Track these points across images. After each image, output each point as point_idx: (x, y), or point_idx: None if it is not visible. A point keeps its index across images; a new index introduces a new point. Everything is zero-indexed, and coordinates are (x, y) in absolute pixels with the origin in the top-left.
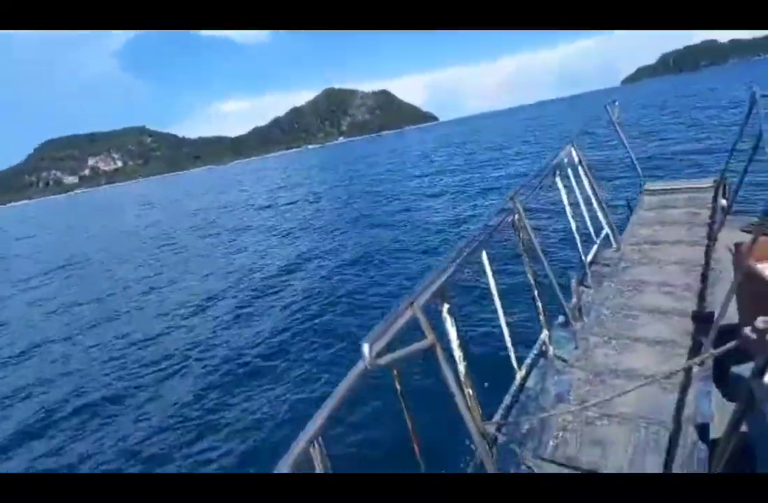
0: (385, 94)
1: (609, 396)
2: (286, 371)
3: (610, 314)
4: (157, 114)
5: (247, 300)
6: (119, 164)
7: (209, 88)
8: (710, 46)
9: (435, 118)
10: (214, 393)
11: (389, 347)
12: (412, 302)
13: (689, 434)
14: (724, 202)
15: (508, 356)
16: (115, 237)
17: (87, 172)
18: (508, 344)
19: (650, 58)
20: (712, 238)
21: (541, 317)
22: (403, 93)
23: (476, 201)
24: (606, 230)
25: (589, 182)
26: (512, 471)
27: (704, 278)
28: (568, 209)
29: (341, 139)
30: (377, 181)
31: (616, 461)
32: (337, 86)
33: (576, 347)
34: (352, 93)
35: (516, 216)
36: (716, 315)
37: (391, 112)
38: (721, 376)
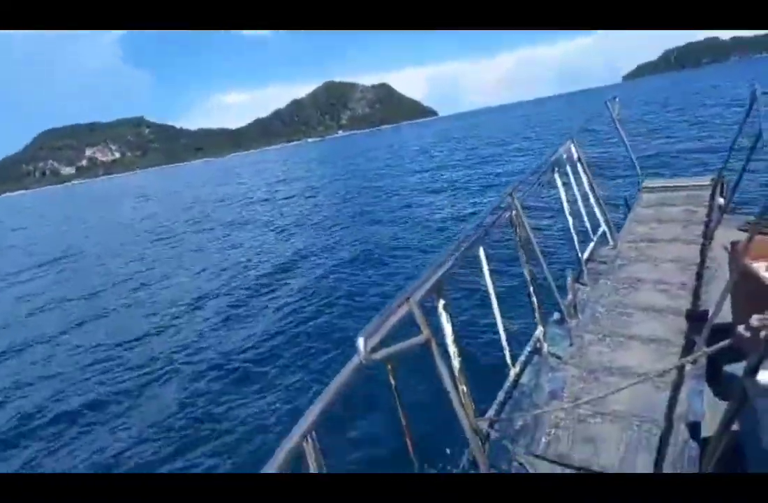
0: (385, 87)
1: (602, 394)
2: (278, 378)
3: (606, 311)
4: (156, 105)
5: (239, 300)
6: (117, 155)
7: (210, 79)
8: (712, 43)
9: (434, 113)
10: (200, 400)
11: (384, 342)
12: (408, 298)
13: (681, 432)
14: (721, 200)
15: (503, 353)
16: (110, 230)
17: (84, 162)
18: (503, 340)
19: (651, 55)
20: (708, 236)
21: (537, 314)
22: (403, 87)
23: (476, 198)
24: (603, 227)
25: (588, 178)
26: (504, 468)
27: (699, 276)
28: (565, 205)
29: (341, 132)
30: (377, 176)
31: (607, 458)
32: (337, 79)
33: (570, 345)
34: (353, 86)
35: (514, 212)
36: (710, 314)
37: (391, 106)
38: (714, 375)
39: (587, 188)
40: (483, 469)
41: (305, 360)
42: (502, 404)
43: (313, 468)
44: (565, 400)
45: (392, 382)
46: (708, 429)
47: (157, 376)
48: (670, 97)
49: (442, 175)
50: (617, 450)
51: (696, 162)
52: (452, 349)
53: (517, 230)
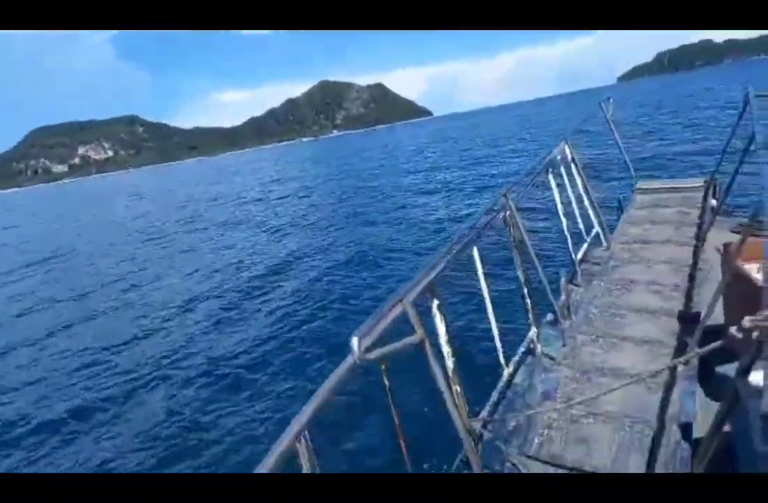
0: (380, 87)
1: (595, 395)
2: (269, 385)
3: (599, 312)
4: (150, 104)
5: (231, 302)
6: (110, 153)
7: (205, 78)
8: (706, 45)
9: (429, 113)
10: (188, 408)
11: (378, 342)
12: (402, 298)
13: (673, 433)
14: (714, 202)
15: (496, 353)
16: (102, 229)
17: (77, 160)
18: (497, 341)
19: (646, 57)
20: (701, 238)
21: (530, 315)
22: (398, 87)
23: (472, 199)
24: (596, 228)
25: (582, 180)
26: (497, 468)
27: (692, 278)
28: (559, 206)
29: (335, 132)
30: (372, 176)
31: (600, 459)
32: (333, 79)
33: (564, 345)
34: (348, 86)
35: (508, 213)
36: (703, 315)
37: (385, 105)
38: (706, 376)
39: (581, 189)
40: (476, 469)
41: (297, 366)
42: (496, 404)
43: (306, 468)
44: (558, 401)
45: (386, 382)
46: (700, 430)
47: (144, 382)
48: (663, 99)
49: (436, 176)
50: (610, 451)
51: (690, 164)
52: (446, 349)
53: (511, 231)
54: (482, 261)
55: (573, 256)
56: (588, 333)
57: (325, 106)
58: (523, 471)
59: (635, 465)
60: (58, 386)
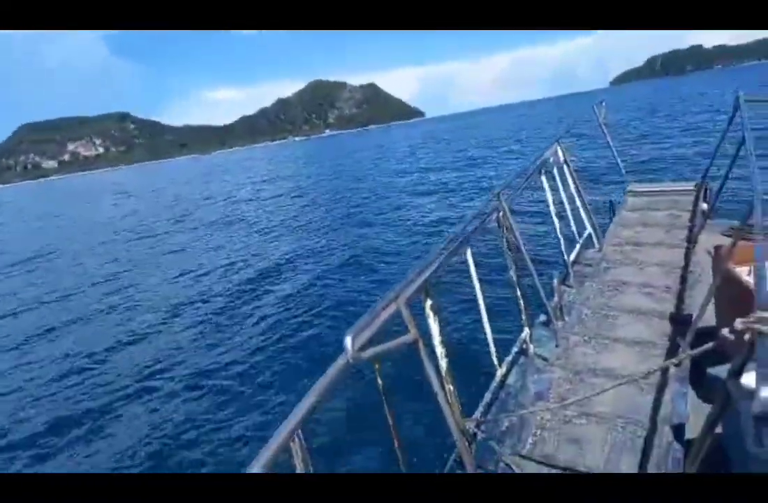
0: (372, 87)
1: (587, 395)
2: (259, 390)
3: (591, 313)
4: (142, 101)
5: (219, 308)
6: (101, 150)
7: (197, 75)
8: (696, 51)
9: (421, 114)
10: (173, 421)
11: (372, 342)
12: (396, 297)
13: (665, 434)
14: (704, 205)
15: (489, 354)
16: (89, 228)
17: (67, 157)
18: (490, 341)
19: (638, 61)
20: (692, 241)
21: (523, 316)
22: (390, 87)
23: (466, 202)
24: (589, 230)
25: (574, 181)
26: (490, 468)
27: (683, 280)
28: (552, 208)
29: (328, 132)
30: (364, 177)
31: (592, 459)
32: (325, 78)
33: (556, 346)
34: (341, 86)
35: (501, 214)
36: (694, 317)
37: (378, 106)
38: (698, 377)
39: (573, 191)
40: (469, 469)
41: (288, 371)
42: (489, 404)
43: (299, 468)
44: (550, 401)
45: (379, 381)
46: (692, 431)
47: (128, 392)
48: (657, 103)
49: (429, 177)
50: (602, 451)
51: (682, 168)
52: (439, 349)
53: (504, 232)
54: (475, 262)
55: (565, 257)
56: (580, 334)
57: (317, 106)
58: (517, 471)
59: (628, 465)
60: (36, 395)
